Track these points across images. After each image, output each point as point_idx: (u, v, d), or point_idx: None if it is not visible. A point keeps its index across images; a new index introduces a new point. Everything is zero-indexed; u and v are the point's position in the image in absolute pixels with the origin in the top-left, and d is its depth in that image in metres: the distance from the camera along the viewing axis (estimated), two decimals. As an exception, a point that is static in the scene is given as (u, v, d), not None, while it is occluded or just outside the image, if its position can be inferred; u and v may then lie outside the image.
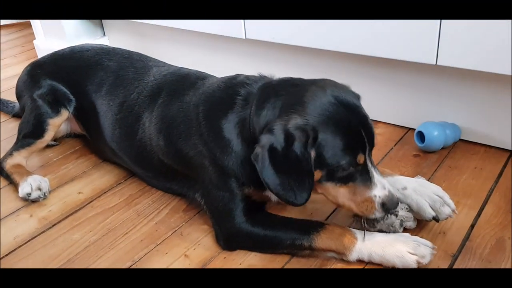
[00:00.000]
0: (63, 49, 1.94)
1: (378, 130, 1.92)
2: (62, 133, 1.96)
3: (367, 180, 1.25)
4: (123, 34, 2.69)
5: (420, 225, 1.39)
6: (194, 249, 1.42)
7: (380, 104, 1.93)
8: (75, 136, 2.00)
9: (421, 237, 1.29)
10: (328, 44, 1.85)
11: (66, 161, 1.90)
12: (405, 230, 1.36)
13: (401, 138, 1.86)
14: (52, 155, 1.94)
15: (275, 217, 1.40)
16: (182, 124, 1.46)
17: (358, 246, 1.28)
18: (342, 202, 1.29)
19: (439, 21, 1.56)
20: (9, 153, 1.78)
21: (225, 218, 1.39)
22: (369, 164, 1.25)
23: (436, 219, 1.33)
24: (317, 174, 1.25)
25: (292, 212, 1.50)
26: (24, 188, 1.65)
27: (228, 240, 1.40)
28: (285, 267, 1.33)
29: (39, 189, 1.65)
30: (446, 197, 1.34)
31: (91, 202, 1.65)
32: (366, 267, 1.29)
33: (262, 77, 1.42)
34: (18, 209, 1.64)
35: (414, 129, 1.79)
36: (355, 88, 1.37)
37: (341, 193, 1.27)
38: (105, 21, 2.75)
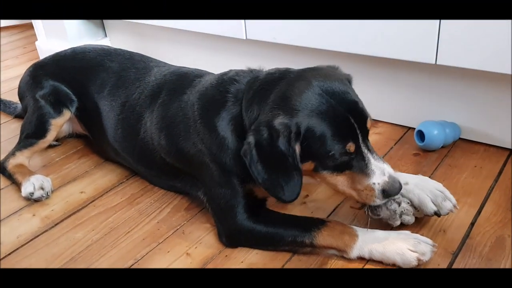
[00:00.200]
0: (65, 50, 1.95)
1: (378, 130, 1.93)
2: (64, 134, 1.97)
3: (364, 167, 1.24)
4: (124, 35, 2.70)
5: (420, 222, 1.40)
6: (196, 247, 1.43)
7: (380, 103, 1.94)
8: (77, 136, 2.01)
9: (421, 234, 1.30)
10: (329, 44, 1.86)
11: (68, 161, 1.91)
12: (403, 226, 1.36)
13: (401, 137, 1.87)
14: (54, 155, 1.95)
15: (276, 214, 1.41)
16: (181, 123, 1.48)
17: (358, 244, 1.29)
18: (342, 190, 1.30)
19: (438, 20, 1.57)
20: (12, 153, 1.80)
21: (227, 215, 1.40)
22: (365, 150, 1.24)
23: (437, 214, 1.34)
24: (310, 165, 1.26)
25: (293, 210, 1.51)
26: (27, 187, 1.66)
27: (230, 237, 1.41)
28: (286, 265, 1.34)
29: (42, 188, 1.66)
30: (447, 192, 1.35)
31: (93, 201, 1.66)
32: (366, 266, 1.29)
33: (250, 71, 1.43)
34: (21, 209, 1.65)
35: (414, 128, 1.80)
36: (355, 87, 1.37)
37: (339, 181, 1.28)
38: (106, 22, 2.76)
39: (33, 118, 1.79)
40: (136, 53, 1.87)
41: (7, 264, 1.42)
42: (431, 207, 1.33)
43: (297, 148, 1.21)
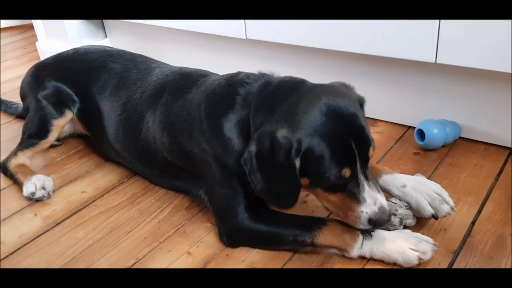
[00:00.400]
0: (67, 51, 1.95)
1: (378, 129, 1.93)
2: (65, 134, 1.97)
3: (357, 193, 1.23)
4: (125, 35, 2.70)
5: (421, 222, 1.40)
6: (197, 246, 1.43)
7: (380, 102, 1.94)
8: (78, 136, 2.02)
9: (422, 233, 1.30)
10: (328, 43, 1.86)
11: (69, 161, 1.91)
12: (405, 227, 1.37)
13: (401, 136, 1.87)
14: (55, 155, 1.95)
15: (277, 213, 1.41)
16: (185, 122, 1.47)
17: (359, 243, 1.29)
18: (330, 208, 1.31)
19: (438, 20, 1.57)
20: (14, 153, 1.80)
21: (228, 214, 1.40)
22: (361, 177, 1.22)
23: (435, 217, 1.34)
24: (306, 181, 1.26)
25: (294, 209, 1.50)
26: (29, 187, 1.66)
27: (231, 236, 1.41)
28: (287, 264, 1.34)
29: (43, 188, 1.67)
30: (445, 194, 1.35)
31: (94, 201, 1.67)
32: (367, 266, 1.30)
33: (262, 75, 1.42)
34: (23, 208, 1.65)
35: (414, 127, 1.80)
36: (356, 87, 1.37)
37: (330, 200, 1.29)
38: (106, 23, 2.77)
39: (35, 118, 1.80)
40: (138, 54, 1.88)
41: (9, 263, 1.43)
42: (428, 210, 1.34)
43: (297, 163, 1.20)
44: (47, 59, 1.97)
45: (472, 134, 1.79)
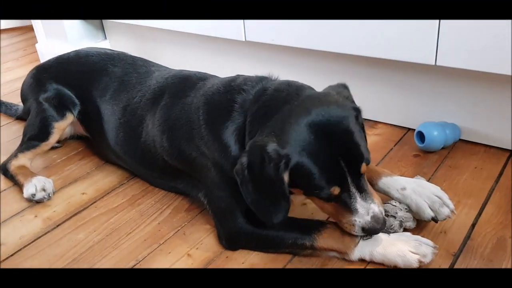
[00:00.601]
0: (68, 53, 1.96)
1: (377, 131, 1.93)
2: (65, 135, 1.97)
3: (349, 204, 1.23)
4: (124, 37, 2.70)
5: (421, 224, 1.40)
6: (197, 248, 1.43)
7: (379, 104, 1.95)
8: (78, 138, 2.02)
9: (422, 236, 1.30)
10: (328, 45, 1.86)
11: (69, 163, 1.91)
12: (405, 230, 1.37)
13: (401, 139, 1.87)
14: (55, 156, 1.96)
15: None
16: (184, 126, 1.48)
17: (359, 246, 1.29)
18: (326, 214, 1.33)
19: (438, 21, 1.57)
20: (14, 155, 1.80)
21: (227, 218, 1.40)
22: (353, 190, 1.22)
23: (435, 219, 1.34)
24: (300, 191, 1.28)
25: (293, 212, 1.51)
26: (29, 189, 1.66)
27: (230, 239, 1.41)
28: (287, 266, 1.34)
29: (44, 190, 1.67)
30: (445, 197, 1.35)
31: (94, 202, 1.67)
32: (367, 267, 1.30)
33: (260, 80, 1.42)
34: (23, 210, 1.65)
35: (414, 130, 1.80)
36: (355, 89, 1.37)
37: (325, 207, 1.30)
38: (106, 24, 2.77)
39: (36, 120, 1.80)
40: (139, 57, 1.89)
41: (9, 265, 1.43)
42: (428, 213, 1.34)
43: (286, 176, 1.21)
44: (48, 61, 1.97)
45: (472, 136, 1.79)
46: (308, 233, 1.33)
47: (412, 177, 1.45)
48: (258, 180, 1.25)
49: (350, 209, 1.24)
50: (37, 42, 2.90)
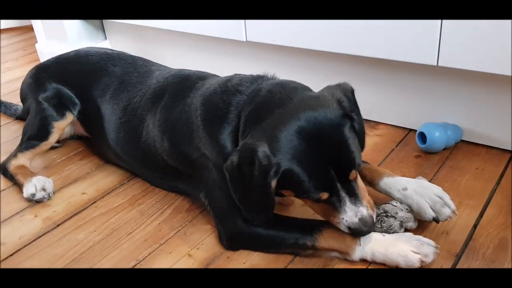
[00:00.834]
0: (67, 53, 1.95)
1: (379, 132, 1.93)
2: (65, 135, 1.97)
3: (338, 206, 1.24)
4: (124, 37, 2.70)
5: (423, 225, 1.40)
6: (198, 248, 1.43)
7: (381, 105, 1.94)
8: (78, 138, 2.01)
9: (424, 236, 1.30)
10: (329, 46, 1.86)
11: (69, 163, 1.91)
12: (407, 230, 1.36)
13: (402, 139, 1.87)
14: (55, 156, 1.95)
15: (277, 216, 1.40)
16: (184, 127, 1.48)
17: (361, 246, 1.29)
18: (317, 213, 1.34)
19: (440, 22, 1.57)
20: (14, 155, 1.80)
21: (228, 218, 1.40)
22: (342, 194, 1.23)
23: (436, 220, 1.34)
24: (290, 193, 1.29)
25: (294, 211, 1.51)
26: (29, 188, 1.66)
27: (231, 240, 1.41)
28: (288, 267, 1.34)
29: (44, 189, 1.66)
30: (447, 198, 1.35)
31: (95, 202, 1.66)
32: (369, 267, 1.29)
33: (255, 80, 1.42)
34: (23, 210, 1.65)
35: (416, 130, 1.80)
36: (357, 89, 1.36)
37: (314, 207, 1.32)
38: (106, 25, 2.77)
39: (36, 120, 1.79)
40: (139, 57, 1.88)
41: (9, 265, 1.42)
42: (429, 214, 1.34)
43: (273, 183, 1.21)
44: (48, 61, 1.96)
45: (473, 137, 1.78)
46: (309, 233, 1.33)
47: (413, 177, 1.44)
48: (246, 179, 1.25)
49: (338, 210, 1.25)
50: (37, 42, 2.89)
